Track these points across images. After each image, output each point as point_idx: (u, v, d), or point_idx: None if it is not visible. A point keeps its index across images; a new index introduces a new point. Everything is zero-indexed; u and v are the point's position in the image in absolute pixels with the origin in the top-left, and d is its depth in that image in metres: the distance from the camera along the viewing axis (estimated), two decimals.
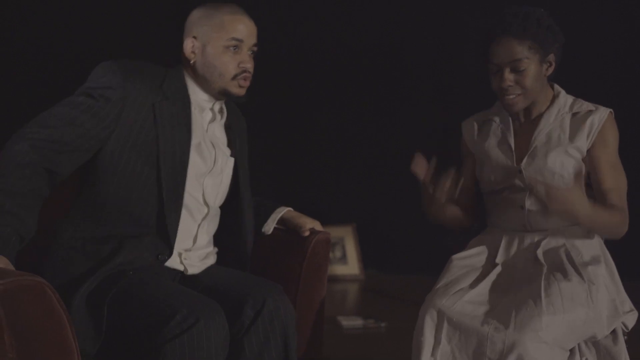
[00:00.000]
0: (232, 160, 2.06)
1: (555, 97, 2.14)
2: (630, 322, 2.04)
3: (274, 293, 1.90)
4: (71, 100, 1.88)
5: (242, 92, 2.01)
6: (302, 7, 4.19)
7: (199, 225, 2.00)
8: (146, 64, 1.98)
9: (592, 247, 2.09)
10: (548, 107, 2.13)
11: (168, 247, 1.91)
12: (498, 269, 2.09)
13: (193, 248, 1.99)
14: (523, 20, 2.04)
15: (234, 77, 1.99)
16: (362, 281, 4.19)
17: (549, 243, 2.09)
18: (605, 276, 2.05)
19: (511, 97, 2.07)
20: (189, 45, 2.00)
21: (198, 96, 2.01)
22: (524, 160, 2.10)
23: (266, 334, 1.86)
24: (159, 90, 1.94)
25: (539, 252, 2.08)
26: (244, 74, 1.99)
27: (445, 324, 1.93)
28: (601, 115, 2.09)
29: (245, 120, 2.21)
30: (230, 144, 2.08)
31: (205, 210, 2.00)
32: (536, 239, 2.11)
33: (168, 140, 1.91)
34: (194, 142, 1.96)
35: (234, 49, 1.98)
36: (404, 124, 4.29)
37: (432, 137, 4.04)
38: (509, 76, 2.05)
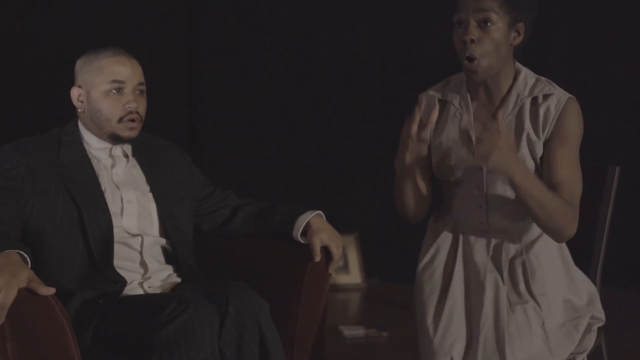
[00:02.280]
0: (149, 195, 2.09)
1: (515, 78, 1.97)
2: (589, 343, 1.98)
3: (236, 290, 1.91)
4: None
5: (132, 134, 2.05)
6: (314, 11, 4.19)
7: (141, 252, 2.03)
8: (39, 137, 2.04)
9: (550, 253, 2.01)
10: (509, 90, 1.97)
11: (121, 280, 1.96)
12: (457, 283, 2.02)
13: (149, 274, 2.03)
14: None
15: (120, 120, 2.02)
16: (364, 290, 4.18)
17: (508, 250, 2.00)
18: (563, 286, 2.00)
19: (474, 61, 1.89)
20: (75, 94, 2.05)
21: (94, 145, 2.06)
22: None
23: (239, 331, 1.87)
24: (57, 161, 1.99)
25: (504, 271, 2.00)
26: (130, 115, 2.02)
27: None
28: (559, 104, 1.92)
29: (175, 146, 2.24)
30: (148, 180, 2.11)
31: (139, 239, 2.03)
32: (493, 243, 2.02)
33: (87, 208, 1.96)
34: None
35: (117, 91, 2.02)
36: None
37: None
38: (473, 30, 1.89)
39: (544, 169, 1.96)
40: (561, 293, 1.99)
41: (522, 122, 1.95)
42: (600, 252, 2.15)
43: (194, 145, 4.24)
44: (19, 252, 1.75)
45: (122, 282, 1.97)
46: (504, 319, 1.94)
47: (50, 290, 1.68)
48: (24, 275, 1.67)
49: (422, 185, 2.06)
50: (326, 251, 2.13)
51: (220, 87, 4.22)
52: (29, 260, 1.76)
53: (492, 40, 1.90)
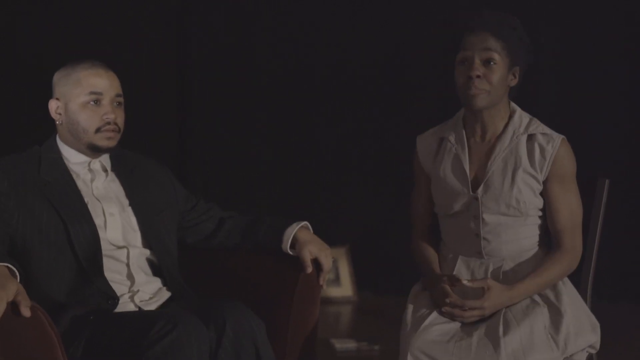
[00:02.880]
0: (129, 208, 2.10)
1: (511, 117, 2.10)
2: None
3: (233, 310, 1.91)
4: None
5: (110, 143, 2.06)
6: (306, 22, 4.20)
7: (127, 264, 2.04)
8: (18, 155, 2.06)
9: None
10: (504, 128, 2.09)
11: (112, 293, 1.97)
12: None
13: (136, 286, 2.04)
14: (501, 21, 2.03)
15: (98, 130, 2.04)
16: (356, 303, 4.18)
17: (506, 274, 2.08)
18: (567, 298, 2.05)
19: (476, 90, 2.01)
20: (53, 106, 2.07)
21: (73, 160, 2.08)
22: (480, 188, 2.07)
23: (235, 351, 1.88)
24: (39, 176, 2.01)
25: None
26: (108, 126, 2.04)
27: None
28: (554, 144, 2.05)
29: (159, 163, 2.26)
30: (128, 194, 2.12)
31: (125, 252, 2.05)
32: (492, 268, 2.09)
33: (72, 219, 1.98)
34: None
35: (95, 103, 2.04)
36: (399, 144, 4.29)
37: None
38: (479, 66, 2.01)
39: (546, 211, 2.09)
40: (572, 311, 2.03)
41: (519, 157, 2.06)
42: (590, 264, 2.17)
43: (184, 157, 4.24)
44: (7, 266, 1.75)
45: (115, 298, 1.97)
46: (502, 313, 1.99)
47: (27, 312, 1.67)
48: (13, 288, 1.67)
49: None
50: (316, 263, 2.14)
51: (210, 98, 4.22)
52: (17, 273, 1.76)
53: (494, 77, 2.03)
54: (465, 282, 2.00)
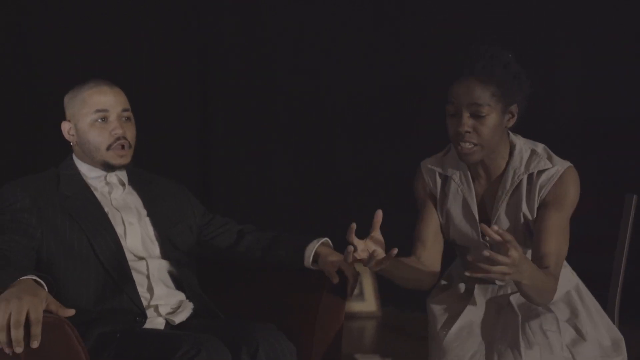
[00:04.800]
0: (147, 219, 2.13)
1: (511, 153, 2.00)
2: None
3: (266, 333, 1.92)
4: None
5: (123, 161, 2.09)
6: (324, 50, 4.23)
7: (148, 276, 2.06)
8: (36, 175, 2.09)
9: (565, 283, 2.03)
10: (505, 166, 1.99)
11: (140, 305, 1.99)
12: (474, 306, 2.04)
13: (156, 298, 2.05)
14: (490, 61, 1.91)
15: (109, 147, 2.06)
16: (380, 318, 4.17)
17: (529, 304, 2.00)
18: (588, 316, 2.00)
19: (467, 145, 1.92)
20: (65, 128, 2.11)
21: (90, 175, 2.11)
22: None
23: None
24: (57, 192, 2.04)
25: (513, 301, 2.01)
26: (118, 142, 2.06)
27: None
28: (554, 173, 1.95)
29: (175, 181, 2.28)
30: (145, 206, 2.14)
31: (145, 263, 2.06)
32: (509, 290, 2.05)
33: (93, 231, 2.00)
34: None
35: (102, 120, 2.07)
36: (420, 159, 4.29)
37: None
38: (467, 121, 1.90)
39: (535, 232, 1.97)
40: (592, 331, 1.99)
41: (520, 201, 1.98)
42: (618, 280, 2.14)
43: (207, 177, 4.27)
44: (34, 280, 1.77)
45: (143, 315, 1.99)
46: (519, 328, 1.94)
47: (69, 312, 1.69)
48: (43, 295, 1.70)
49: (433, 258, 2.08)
50: (340, 276, 2.14)
51: (232, 121, 4.25)
52: (45, 286, 1.77)
53: (486, 128, 1.92)
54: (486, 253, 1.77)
